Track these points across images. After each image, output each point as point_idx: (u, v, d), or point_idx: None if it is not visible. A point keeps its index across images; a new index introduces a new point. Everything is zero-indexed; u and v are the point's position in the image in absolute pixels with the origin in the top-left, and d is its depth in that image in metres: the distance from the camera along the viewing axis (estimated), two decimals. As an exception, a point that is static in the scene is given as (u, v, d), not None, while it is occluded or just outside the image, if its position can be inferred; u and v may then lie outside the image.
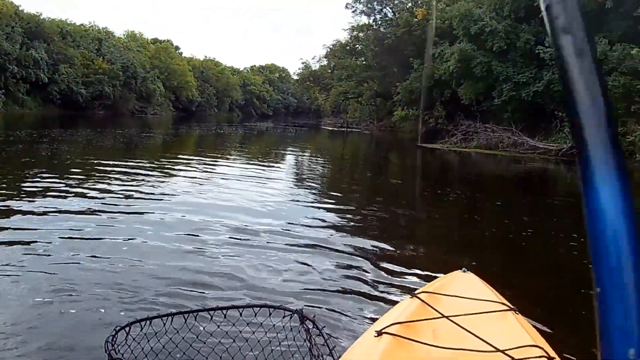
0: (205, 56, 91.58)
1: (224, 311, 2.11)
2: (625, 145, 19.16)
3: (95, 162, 13.10)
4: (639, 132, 19.10)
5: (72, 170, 11.12)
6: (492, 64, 25.77)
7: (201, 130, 36.04)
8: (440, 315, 2.08)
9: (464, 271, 2.75)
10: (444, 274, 2.91)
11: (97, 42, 55.47)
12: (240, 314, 2.16)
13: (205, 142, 26.90)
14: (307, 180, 13.51)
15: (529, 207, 10.55)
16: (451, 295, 2.38)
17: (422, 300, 2.29)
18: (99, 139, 21.95)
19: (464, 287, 2.53)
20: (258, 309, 2.18)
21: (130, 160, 13.94)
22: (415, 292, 2.49)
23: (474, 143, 25.26)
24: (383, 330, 1.96)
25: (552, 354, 1.92)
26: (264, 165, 15.63)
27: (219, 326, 2.25)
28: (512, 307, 2.32)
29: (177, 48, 79.27)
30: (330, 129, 49.98)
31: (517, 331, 2.09)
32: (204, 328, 2.33)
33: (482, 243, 7.19)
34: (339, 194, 10.84)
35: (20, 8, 47.19)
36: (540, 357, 1.82)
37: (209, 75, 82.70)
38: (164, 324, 2.03)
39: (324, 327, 2.11)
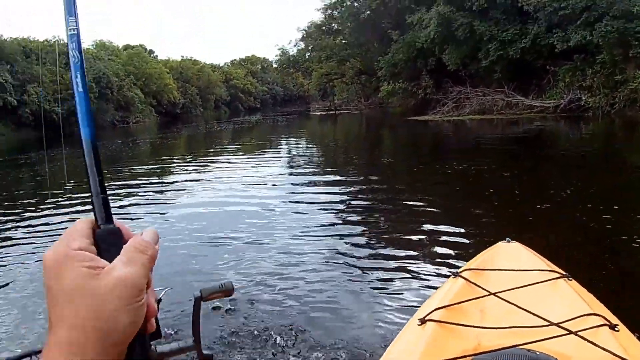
0: (182, 56, 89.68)
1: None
2: (627, 93, 17.93)
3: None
4: (640, 77, 17.79)
5: (60, 191, 10.17)
6: (474, 24, 24.46)
7: (189, 131, 35.07)
8: (487, 293, 1.98)
9: (508, 241, 2.55)
10: (482, 248, 2.63)
11: (64, 57, 53.35)
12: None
13: (195, 143, 26.14)
14: (307, 165, 13.20)
15: (541, 167, 9.95)
16: (497, 270, 2.25)
17: (466, 279, 2.17)
18: (76, 157, 20.33)
19: (510, 258, 2.37)
20: None
21: (123, 170, 13.68)
22: (458, 270, 2.32)
23: (466, 110, 24.06)
24: (427, 318, 1.86)
25: (615, 320, 1.76)
26: (260, 158, 15.29)
27: None
28: (564, 273, 2.15)
29: (151, 52, 77.45)
30: (319, 113, 48.95)
31: (572, 300, 1.95)
32: None
33: (507, 212, 6.64)
34: (344, 177, 10.46)
35: None
36: (601, 325, 1.69)
37: (188, 75, 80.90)
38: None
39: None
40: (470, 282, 2.14)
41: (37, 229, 7.11)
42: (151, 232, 0.52)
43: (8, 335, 3.72)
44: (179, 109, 74.32)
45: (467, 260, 2.57)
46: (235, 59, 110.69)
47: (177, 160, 15.88)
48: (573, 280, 2.13)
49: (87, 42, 64.37)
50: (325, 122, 37.79)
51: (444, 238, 5.46)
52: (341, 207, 7.61)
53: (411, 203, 7.35)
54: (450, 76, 27.91)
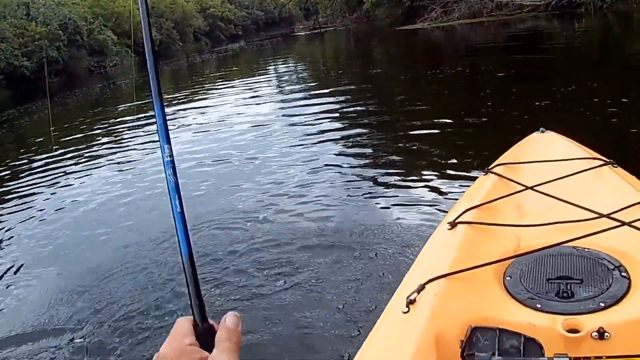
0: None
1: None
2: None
3: (69, 129, 12.03)
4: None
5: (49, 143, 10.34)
6: None
7: (171, 66, 34.14)
8: (524, 187, 1.83)
9: (542, 131, 2.36)
10: (509, 143, 2.41)
11: (24, 7, 50.70)
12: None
13: (180, 77, 25.53)
14: (298, 85, 13.13)
15: (544, 62, 9.58)
16: (533, 162, 2.06)
17: (499, 175, 2.00)
18: (58, 105, 19.94)
19: (546, 149, 2.18)
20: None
21: (110, 114, 13.54)
22: (489, 167, 2.12)
23: (456, 14, 23.11)
24: (457, 220, 1.69)
25: None
26: (248, 82, 15.10)
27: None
28: (608, 160, 1.96)
29: (116, -12, 73.54)
30: (304, 34, 47.37)
31: (621, 188, 1.77)
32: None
33: (524, 106, 6.30)
34: (339, 94, 10.14)
35: None
36: None
37: (161, 9, 77.23)
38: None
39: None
40: (503, 177, 1.96)
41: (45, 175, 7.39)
42: (232, 318, 0.62)
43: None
44: (157, 46, 71.62)
45: (494, 157, 2.30)
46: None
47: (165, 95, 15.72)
48: (619, 167, 1.93)
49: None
50: (312, 41, 36.69)
51: (461, 138, 5.33)
52: (340, 124, 7.49)
53: (415, 109, 7.22)
54: (436, -20, 26.54)
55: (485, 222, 1.66)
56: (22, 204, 6.22)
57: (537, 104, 6.33)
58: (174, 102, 12.96)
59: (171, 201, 0.67)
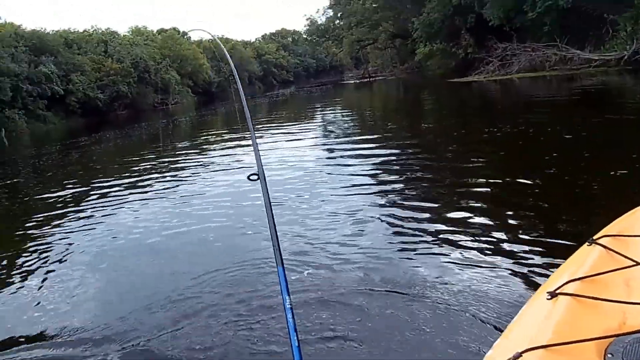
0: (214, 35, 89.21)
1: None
2: None
3: (132, 156, 13.38)
4: None
5: (115, 169, 11.69)
6: (518, -28, 22.26)
7: (225, 108, 35.45)
8: (634, 263, 1.67)
9: None
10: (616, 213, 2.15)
11: (103, 45, 55.32)
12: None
13: (232, 119, 26.28)
14: (344, 133, 13.05)
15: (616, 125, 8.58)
16: None
17: (605, 247, 1.85)
18: (126, 137, 21.86)
19: None
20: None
21: (166, 148, 14.66)
22: (594, 237, 1.95)
23: (514, 68, 22.18)
24: (558, 291, 1.59)
25: None
26: (297, 127, 15.33)
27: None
28: None
29: (183, 34, 77.72)
30: (353, 82, 47.66)
31: None
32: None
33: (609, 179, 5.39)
34: (389, 143, 9.71)
35: (22, 27, 47.50)
36: None
37: (221, 54, 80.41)
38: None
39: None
40: (611, 250, 1.84)
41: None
42: None
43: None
44: (215, 87, 74.87)
45: (593, 228, 2.10)
46: (265, 34, 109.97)
47: (216, 133, 17.20)
48: None
49: (123, 29, 65.48)
50: (361, 90, 36.64)
51: (530, 200, 4.89)
52: (393, 176, 6.97)
53: (473, 166, 6.42)
54: (493, 32, 25.87)
55: (589, 296, 1.57)
56: (85, 225, 6.48)
57: (613, 172, 5.41)
58: (224, 143, 13.63)
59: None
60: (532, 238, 4.02)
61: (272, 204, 2.06)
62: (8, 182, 12.08)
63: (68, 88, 46.23)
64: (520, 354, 1.33)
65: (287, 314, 1.32)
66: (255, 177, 2.05)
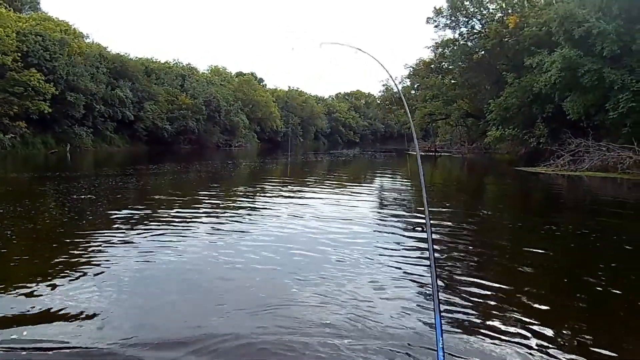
0: (289, 86, 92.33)
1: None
2: None
3: (188, 193, 13.79)
4: None
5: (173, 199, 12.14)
6: (603, 71, 21.76)
7: (287, 159, 35.78)
8: None
9: None
10: None
11: (180, 79, 57.25)
12: None
13: (292, 171, 26.46)
14: (399, 207, 12.39)
15: None
16: None
17: None
18: (185, 172, 22.28)
19: None
20: None
21: (221, 189, 15.21)
22: None
23: (585, 165, 21.24)
24: None
25: None
26: (352, 193, 14.98)
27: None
28: None
29: (260, 80, 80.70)
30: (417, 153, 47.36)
31: None
32: None
33: None
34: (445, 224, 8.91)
35: (107, 49, 49.78)
36: None
37: (293, 105, 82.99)
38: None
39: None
40: None
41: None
42: None
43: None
44: (280, 137, 76.16)
45: None
46: (340, 93, 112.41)
47: (273, 184, 17.32)
48: None
49: (202, 66, 68.62)
50: (424, 163, 36.17)
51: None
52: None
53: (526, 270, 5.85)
54: (569, 126, 25.20)
55: None
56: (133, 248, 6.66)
57: None
58: (279, 192, 14.20)
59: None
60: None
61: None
62: (66, 197, 12.47)
63: (139, 115, 47.73)
64: None
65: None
66: (420, 228, 2.23)
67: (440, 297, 5.07)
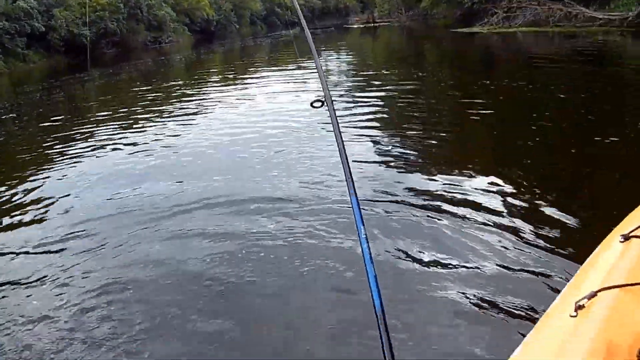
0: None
1: None
2: None
3: (121, 99, 13.29)
4: None
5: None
6: None
7: (224, 47, 34.55)
8: None
9: None
10: None
11: None
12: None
13: (230, 58, 25.97)
14: (347, 80, 12.90)
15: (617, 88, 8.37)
16: None
17: None
18: (114, 77, 21.38)
19: None
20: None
21: (159, 86, 14.71)
22: None
23: (519, 21, 21.69)
24: (631, 234, 1.64)
25: None
26: (299, 69, 14.89)
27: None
28: None
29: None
30: (357, 26, 46.49)
31: None
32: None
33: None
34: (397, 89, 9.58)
35: None
36: None
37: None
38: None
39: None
40: None
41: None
42: None
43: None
44: (214, 26, 72.38)
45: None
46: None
47: (213, 72, 17.65)
48: None
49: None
50: (364, 35, 35.84)
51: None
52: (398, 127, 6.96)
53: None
54: (501, -17, 25.09)
55: None
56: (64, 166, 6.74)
57: (609, 140, 5.32)
58: (218, 82, 14.25)
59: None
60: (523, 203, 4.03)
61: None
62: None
63: (50, 24, 43.60)
64: (595, 293, 1.36)
65: (362, 245, 1.29)
66: (319, 103, 1.98)
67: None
